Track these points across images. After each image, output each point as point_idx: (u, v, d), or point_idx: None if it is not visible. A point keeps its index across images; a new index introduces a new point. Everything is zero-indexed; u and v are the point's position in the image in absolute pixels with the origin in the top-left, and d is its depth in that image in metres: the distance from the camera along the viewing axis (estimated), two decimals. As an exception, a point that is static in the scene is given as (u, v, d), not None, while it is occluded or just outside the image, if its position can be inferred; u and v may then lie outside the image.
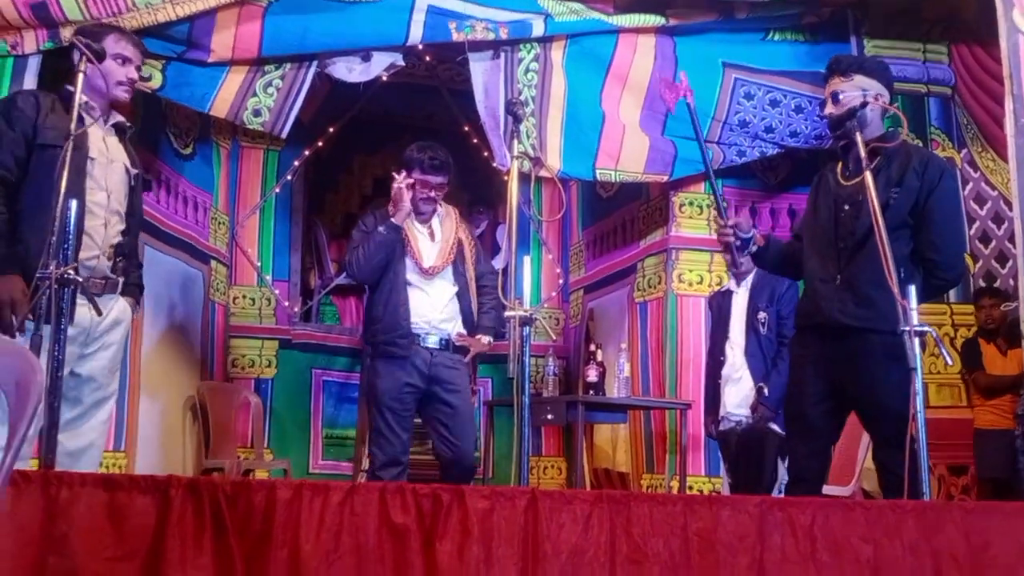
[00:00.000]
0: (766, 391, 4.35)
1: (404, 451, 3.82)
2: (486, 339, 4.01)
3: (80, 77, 2.71)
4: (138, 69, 3.18)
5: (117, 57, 3.06)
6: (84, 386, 2.97)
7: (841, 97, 3.10)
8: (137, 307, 3.26)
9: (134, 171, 3.18)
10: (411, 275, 3.88)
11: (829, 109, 3.15)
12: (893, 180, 3.05)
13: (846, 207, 3.11)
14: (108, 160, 3.04)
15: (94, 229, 2.96)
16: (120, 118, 3.18)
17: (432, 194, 3.91)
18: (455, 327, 3.93)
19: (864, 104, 3.08)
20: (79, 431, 2.94)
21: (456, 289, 3.96)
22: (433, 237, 3.96)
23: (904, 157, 3.12)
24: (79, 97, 2.69)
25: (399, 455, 3.79)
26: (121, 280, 3.06)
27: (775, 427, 4.26)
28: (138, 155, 4.71)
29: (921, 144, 5.03)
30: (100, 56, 2.83)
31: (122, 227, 3.11)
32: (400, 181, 3.85)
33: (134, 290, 3.19)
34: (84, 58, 2.75)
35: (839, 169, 3.20)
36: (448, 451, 3.81)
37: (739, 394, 4.52)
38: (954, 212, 3.21)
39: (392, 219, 3.87)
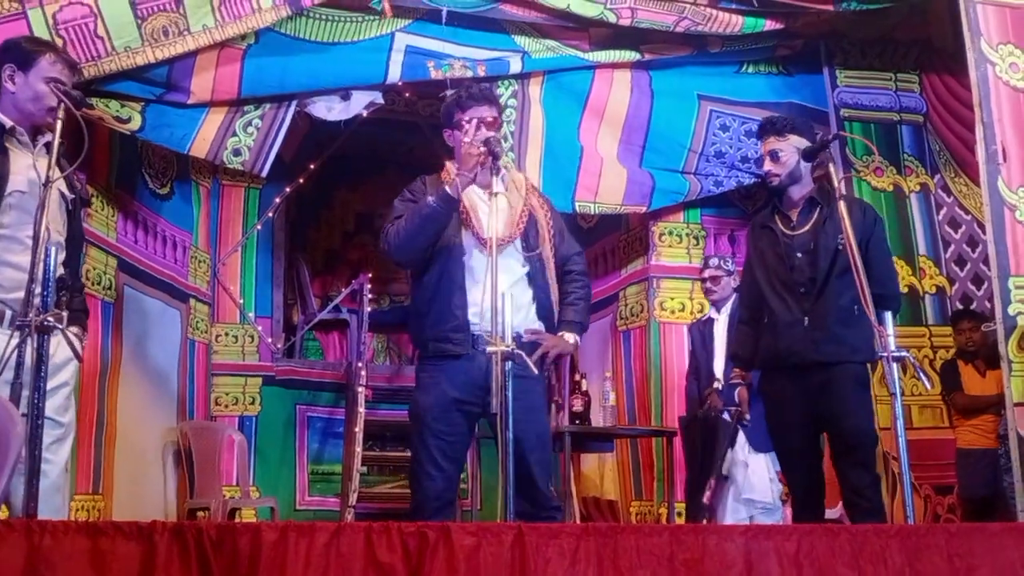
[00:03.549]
0: (720, 386, 4.49)
1: (449, 487, 3.00)
2: (571, 337, 3.11)
3: (58, 124, 2.65)
4: (67, 97, 2.76)
5: (51, 81, 2.80)
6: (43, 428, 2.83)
7: (780, 155, 3.41)
8: (85, 334, 2.98)
9: (71, 196, 2.92)
10: (469, 254, 3.05)
11: (768, 166, 3.45)
12: (839, 227, 3.28)
13: (799, 255, 3.39)
14: (48, 190, 2.68)
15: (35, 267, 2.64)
16: (49, 137, 2.80)
17: (488, 133, 3.04)
18: (524, 320, 3.02)
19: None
20: (42, 471, 2.80)
21: (526, 270, 3.08)
22: (497, 201, 3.01)
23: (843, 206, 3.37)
24: (56, 144, 2.61)
25: (441, 493, 2.96)
26: (66, 313, 2.70)
27: (726, 416, 4.34)
28: (115, 197, 4.78)
29: (894, 170, 5.12)
30: (79, 104, 2.75)
31: (63, 257, 2.85)
32: (470, 132, 2.98)
33: (80, 316, 2.92)
34: (61, 104, 2.68)
35: (779, 220, 3.48)
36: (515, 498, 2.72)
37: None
38: (889, 251, 3.65)
39: (446, 187, 2.98)
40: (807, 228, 3.38)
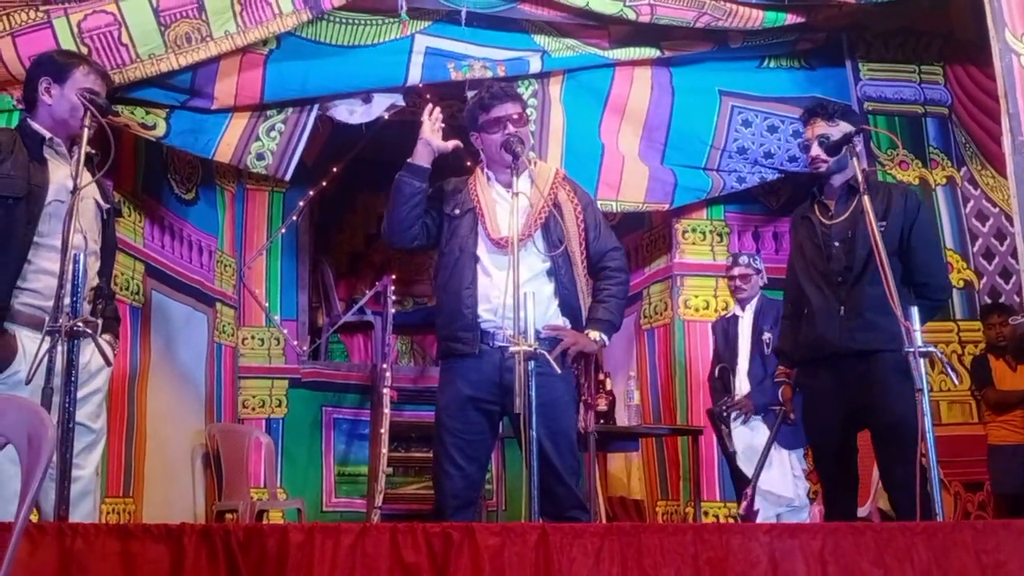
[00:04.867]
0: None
1: (470, 487, 2.95)
2: (596, 335, 3.01)
3: (85, 132, 2.70)
4: (93, 104, 2.83)
5: (85, 92, 2.85)
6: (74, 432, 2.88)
7: (831, 141, 3.26)
8: (116, 342, 3.06)
9: (106, 205, 3.02)
10: (482, 252, 3.01)
11: (816, 151, 3.30)
12: (879, 215, 3.20)
13: (836, 244, 3.30)
14: (78, 198, 2.74)
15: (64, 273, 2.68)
16: (86, 148, 2.82)
17: (515, 131, 3.01)
18: (544, 316, 2.93)
19: (859, 131, 3.28)
20: (73, 476, 2.84)
21: (546, 266, 3.01)
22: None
23: (885, 193, 3.32)
24: (83, 150, 2.66)
25: (459, 491, 2.92)
26: (100, 321, 2.82)
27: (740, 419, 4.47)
28: (141, 202, 4.84)
29: (920, 163, 5.08)
30: (105, 112, 2.81)
31: (98, 266, 2.96)
32: (426, 112, 3.06)
33: (112, 324, 3.00)
34: (87, 112, 2.74)
35: (818, 210, 3.39)
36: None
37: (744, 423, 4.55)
38: (936, 238, 3.52)
39: (411, 159, 3.04)
40: (845, 216, 3.26)
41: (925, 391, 2.75)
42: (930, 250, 3.33)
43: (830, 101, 3.54)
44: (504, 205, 2.98)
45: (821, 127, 3.30)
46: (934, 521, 2.50)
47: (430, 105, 3.09)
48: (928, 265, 3.27)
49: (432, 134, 3.03)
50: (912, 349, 2.77)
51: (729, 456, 4.52)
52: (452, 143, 3.07)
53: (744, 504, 4.08)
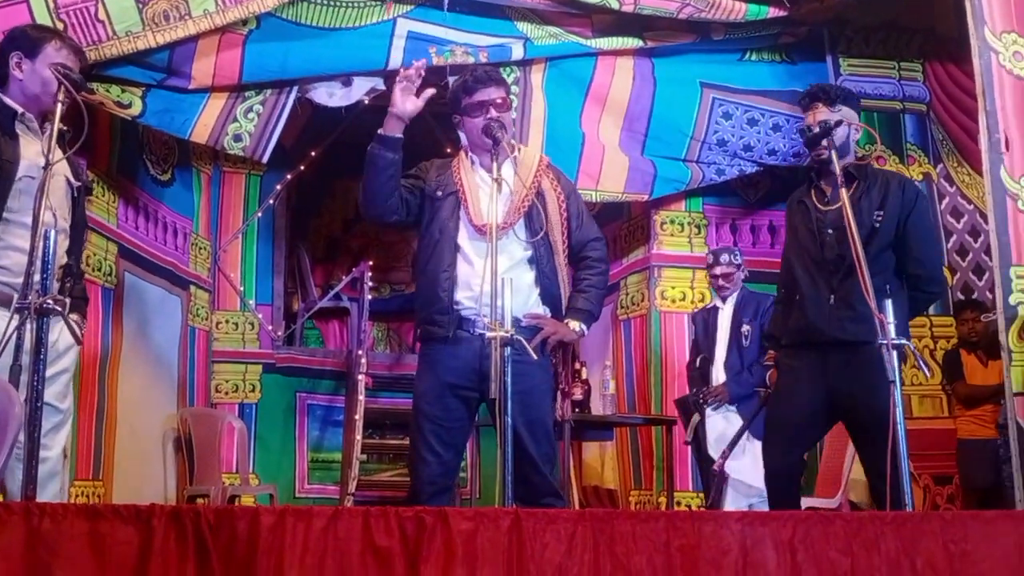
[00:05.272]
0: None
1: (446, 473, 2.95)
2: (575, 324, 3.01)
3: (58, 108, 2.66)
4: (67, 80, 2.78)
5: (59, 67, 2.79)
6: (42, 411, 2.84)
7: (830, 126, 3.17)
8: (84, 322, 3.02)
9: (76, 183, 2.98)
10: (463, 238, 2.99)
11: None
12: (875, 203, 3.19)
13: (830, 231, 3.23)
14: (49, 175, 2.69)
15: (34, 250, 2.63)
16: (59, 125, 2.77)
17: (498, 115, 2.97)
18: (525, 304, 2.95)
19: (839, 123, 3.18)
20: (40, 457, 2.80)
21: (528, 254, 3.00)
22: (500, 187, 2.84)
23: (882, 181, 3.27)
24: (56, 126, 2.63)
25: (436, 478, 2.92)
26: (69, 300, 2.77)
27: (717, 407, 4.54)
28: (116, 183, 4.78)
29: (897, 159, 5.11)
30: (79, 87, 2.77)
31: (67, 244, 2.93)
32: (403, 73, 2.98)
33: (80, 304, 2.98)
34: (61, 87, 2.70)
35: (814, 195, 3.32)
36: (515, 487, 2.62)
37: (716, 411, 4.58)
38: (932, 229, 3.45)
39: (381, 130, 2.97)
40: (839, 204, 3.08)
41: (897, 383, 2.77)
42: (925, 242, 3.28)
43: (832, 85, 3.48)
44: (487, 191, 2.92)
45: (822, 112, 3.23)
46: (904, 511, 2.52)
47: (417, 62, 3.02)
48: (922, 256, 3.23)
49: (403, 101, 2.96)
50: (884, 341, 2.78)
51: (699, 443, 4.55)
52: (427, 93, 2.99)
53: (724, 450, 4.16)
